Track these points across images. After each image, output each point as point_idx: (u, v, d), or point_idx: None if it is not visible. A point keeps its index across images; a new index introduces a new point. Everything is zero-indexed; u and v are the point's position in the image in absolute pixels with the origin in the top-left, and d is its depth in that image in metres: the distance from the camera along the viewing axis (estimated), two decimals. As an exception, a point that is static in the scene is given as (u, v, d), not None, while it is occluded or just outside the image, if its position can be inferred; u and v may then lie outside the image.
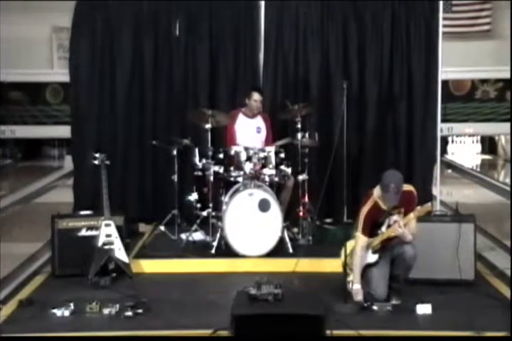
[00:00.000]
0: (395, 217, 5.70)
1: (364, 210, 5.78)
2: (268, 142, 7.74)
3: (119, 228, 6.68)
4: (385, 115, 8.26)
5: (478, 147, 17.82)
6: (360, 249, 5.77)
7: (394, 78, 8.21)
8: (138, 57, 8.26)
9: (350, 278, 5.83)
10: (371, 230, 5.80)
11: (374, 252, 5.81)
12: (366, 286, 5.81)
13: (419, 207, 5.62)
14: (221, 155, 7.39)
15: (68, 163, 10.89)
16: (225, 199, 7.26)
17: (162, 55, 8.27)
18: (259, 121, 7.82)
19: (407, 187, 5.81)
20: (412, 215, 5.61)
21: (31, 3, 14.12)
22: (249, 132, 7.75)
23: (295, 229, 7.53)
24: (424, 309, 5.63)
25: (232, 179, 7.30)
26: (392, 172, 5.74)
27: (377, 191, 5.75)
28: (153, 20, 8.24)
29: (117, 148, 8.26)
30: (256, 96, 7.69)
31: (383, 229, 5.77)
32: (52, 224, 6.75)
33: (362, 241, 5.78)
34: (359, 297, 5.70)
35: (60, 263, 6.70)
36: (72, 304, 5.66)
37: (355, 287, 5.74)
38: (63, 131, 11.15)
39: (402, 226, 5.62)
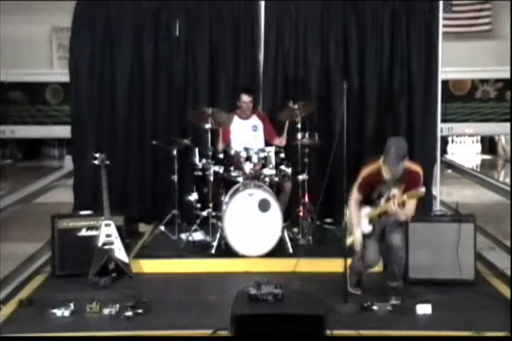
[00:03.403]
0: (395, 191, 5.74)
1: (365, 170, 5.90)
2: (273, 137, 7.74)
3: (119, 228, 6.69)
4: (385, 115, 8.26)
5: (478, 147, 17.80)
6: (353, 202, 5.93)
7: (394, 78, 8.21)
8: (138, 57, 8.25)
9: (349, 241, 5.92)
10: (368, 193, 5.87)
11: (370, 223, 5.89)
12: (360, 255, 5.91)
13: (413, 190, 5.66)
14: (221, 155, 7.41)
15: (68, 163, 10.90)
16: (225, 199, 7.26)
17: (162, 55, 8.26)
18: (254, 120, 7.83)
19: (415, 167, 5.84)
20: (405, 196, 5.66)
21: (31, 3, 14.11)
22: (245, 132, 7.75)
23: (295, 229, 7.54)
24: (424, 309, 5.64)
25: (232, 179, 7.30)
26: (396, 138, 5.92)
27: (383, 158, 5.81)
28: (153, 20, 8.24)
29: (117, 148, 8.26)
30: (244, 97, 7.70)
31: (382, 201, 5.82)
32: (52, 224, 6.75)
33: (355, 195, 5.93)
34: (359, 246, 5.82)
35: (60, 263, 6.70)
36: (72, 304, 5.66)
37: (356, 233, 5.84)
38: (63, 131, 11.16)
39: (395, 204, 5.67)
